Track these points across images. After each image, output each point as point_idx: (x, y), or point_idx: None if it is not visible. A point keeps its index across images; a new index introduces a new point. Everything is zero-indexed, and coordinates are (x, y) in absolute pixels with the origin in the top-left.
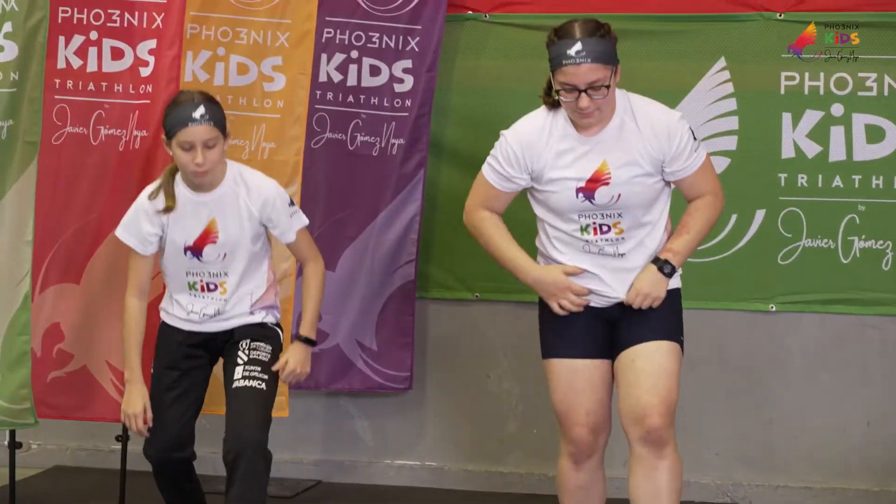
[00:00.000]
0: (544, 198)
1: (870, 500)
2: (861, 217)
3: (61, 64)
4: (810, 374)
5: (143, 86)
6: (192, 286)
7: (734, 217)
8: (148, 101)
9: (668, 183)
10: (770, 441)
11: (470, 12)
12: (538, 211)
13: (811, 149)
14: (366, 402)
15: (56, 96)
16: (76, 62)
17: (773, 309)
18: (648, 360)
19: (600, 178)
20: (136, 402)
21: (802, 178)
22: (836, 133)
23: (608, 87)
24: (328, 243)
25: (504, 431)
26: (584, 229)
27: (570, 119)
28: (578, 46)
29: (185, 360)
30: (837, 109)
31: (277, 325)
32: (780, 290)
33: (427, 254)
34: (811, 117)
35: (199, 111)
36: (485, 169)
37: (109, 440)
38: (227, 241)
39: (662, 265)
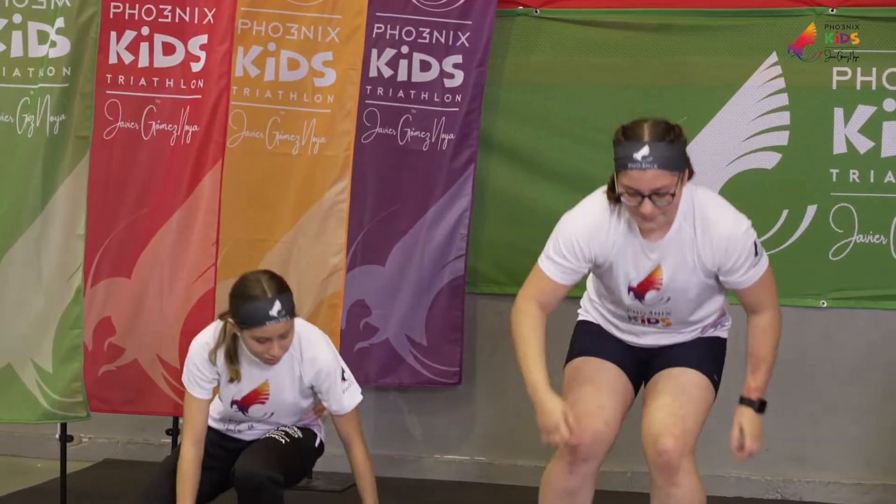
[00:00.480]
0: (600, 274)
1: None
2: None
3: (113, 59)
4: (861, 370)
5: (194, 81)
6: (231, 419)
7: (785, 213)
8: (199, 97)
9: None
10: (821, 437)
11: (521, 7)
12: (593, 278)
13: (863, 144)
14: (415, 397)
15: (107, 91)
16: (128, 57)
17: (825, 305)
18: (671, 381)
19: (652, 282)
20: None
21: (854, 173)
22: (889, 128)
23: (673, 194)
24: (378, 238)
25: None
26: (631, 318)
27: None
28: (645, 151)
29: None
30: (890, 105)
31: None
32: (831, 285)
33: (477, 249)
34: (863, 112)
35: (276, 308)
36: (541, 260)
37: (160, 434)
38: (275, 402)
39: (757, 406)
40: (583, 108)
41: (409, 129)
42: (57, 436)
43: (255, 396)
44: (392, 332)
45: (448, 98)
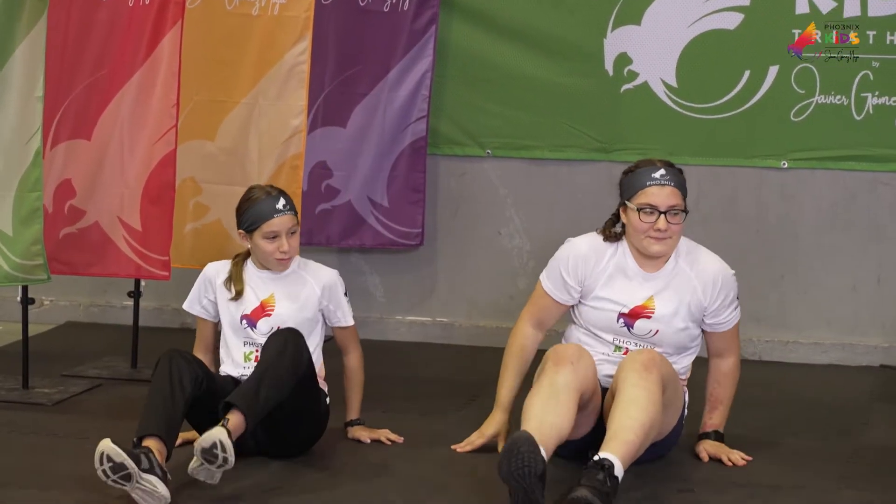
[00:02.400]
0: (585, 311)
1: (879, 356)
2: (875, 73)
3: None
4: (822, 230)
5: None
6: (247, 357)
7: (747, 73)
8: None
9: (699, 336)
10: (781, 298)
11: None
12: (579, 322)
13: (825, 4)
14: (377, 259)
15: None
16: None
17: (785, 165)
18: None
19: (643, 311)
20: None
21: (816, 34)
22: None
23: (686, 212)
24: (338, 100)
25: (514, 287)
26: (617, 348)
27: (634, 250)
28: (663, 171)
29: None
30: None
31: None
32: (792, 146)
33: (438, 110)
34: None
35: (281, 202)
36: (542, 277)
37: (122, 296)
38: (281, 316)
39: (713, 436)
40: None
41: None
42: (18, 298)
43: (262, 309)
44: (354, 194)
45: None
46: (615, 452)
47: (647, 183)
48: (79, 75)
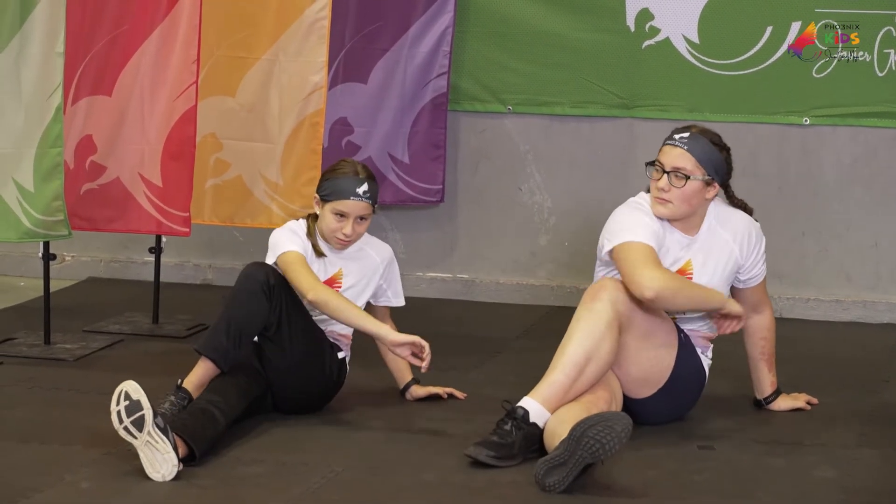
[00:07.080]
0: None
1: None
2: None
3: None
4: (843, 187)
5: None
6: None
7: (769, 29)
8: None
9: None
10: (802, 254)
11: None
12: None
13: None
14: (398, 215)
15: None
16: None
17: (807, 122)
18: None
19: (682, 275)
20: None
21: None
22: None
23: (689, 179)
24: (359, 55)
25: (536, 244)
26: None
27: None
28: (685, 134)
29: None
30: None
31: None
32: (814, 102)
33: (459, 66)
34: None
35: (363, 188)
36: (626, 239)
37: (143, 252)
38: (347, 292)
39: (776, 394)
40: None
41: None
42: (40, 254)
43: (331, 284)
44: (374, 150)
45: None
46: (536, 397)
47: (666, 142)
48: (99, 31)
